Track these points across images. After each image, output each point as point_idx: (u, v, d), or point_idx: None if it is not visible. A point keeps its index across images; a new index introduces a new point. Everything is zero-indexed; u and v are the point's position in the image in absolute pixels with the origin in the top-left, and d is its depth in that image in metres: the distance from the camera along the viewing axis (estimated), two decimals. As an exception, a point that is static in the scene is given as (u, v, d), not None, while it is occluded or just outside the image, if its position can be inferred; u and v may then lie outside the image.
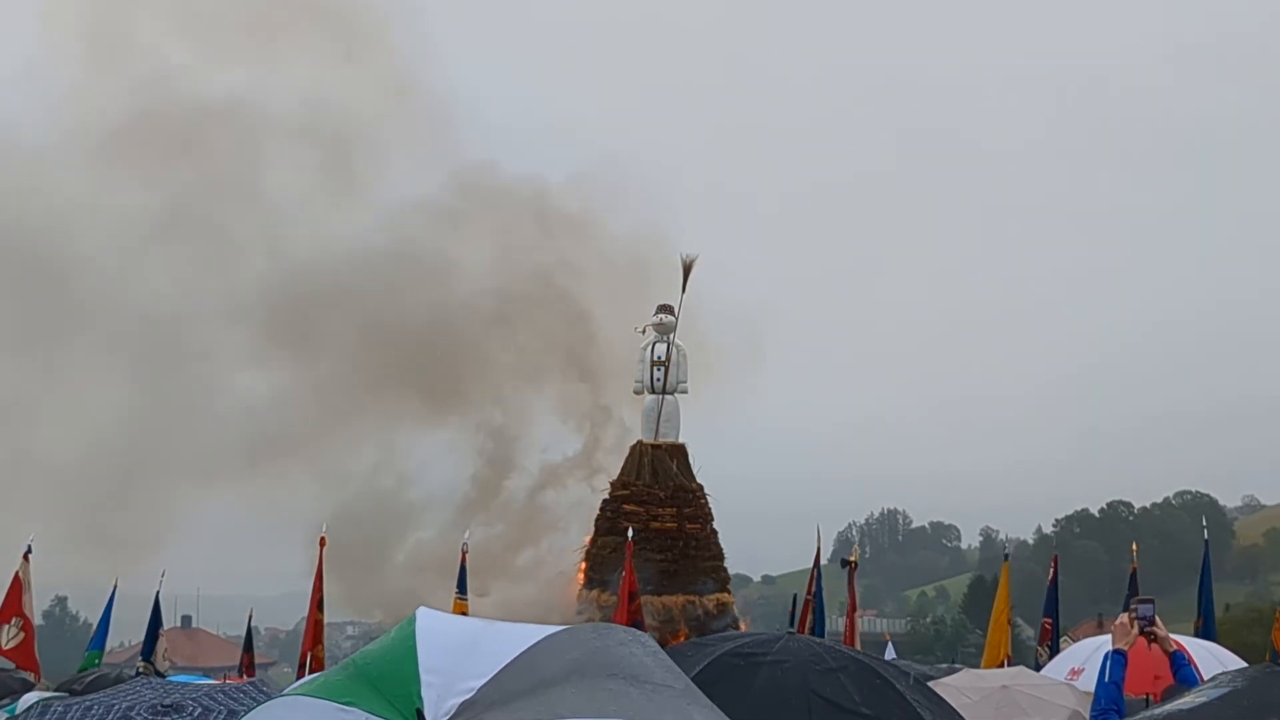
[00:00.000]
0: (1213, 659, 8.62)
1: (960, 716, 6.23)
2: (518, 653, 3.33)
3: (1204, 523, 23.58)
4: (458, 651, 3.35)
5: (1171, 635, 9.18)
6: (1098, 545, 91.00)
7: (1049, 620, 18.63)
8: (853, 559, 19.11)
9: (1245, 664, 7.58)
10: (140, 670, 16.57)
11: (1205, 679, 4.03)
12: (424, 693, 3.22)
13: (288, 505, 30.73)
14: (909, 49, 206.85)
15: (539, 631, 3.44)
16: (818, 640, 6.45)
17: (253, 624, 21.81)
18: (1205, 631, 15.50)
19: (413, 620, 3.47)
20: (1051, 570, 19.49)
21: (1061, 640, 18.68)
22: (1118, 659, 5.83)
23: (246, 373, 32.40)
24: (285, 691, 3.95)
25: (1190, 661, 6.33)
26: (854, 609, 18.46)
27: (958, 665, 17.66)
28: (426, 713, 3.19)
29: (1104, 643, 9.08)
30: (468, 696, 3.22)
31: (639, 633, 3.63)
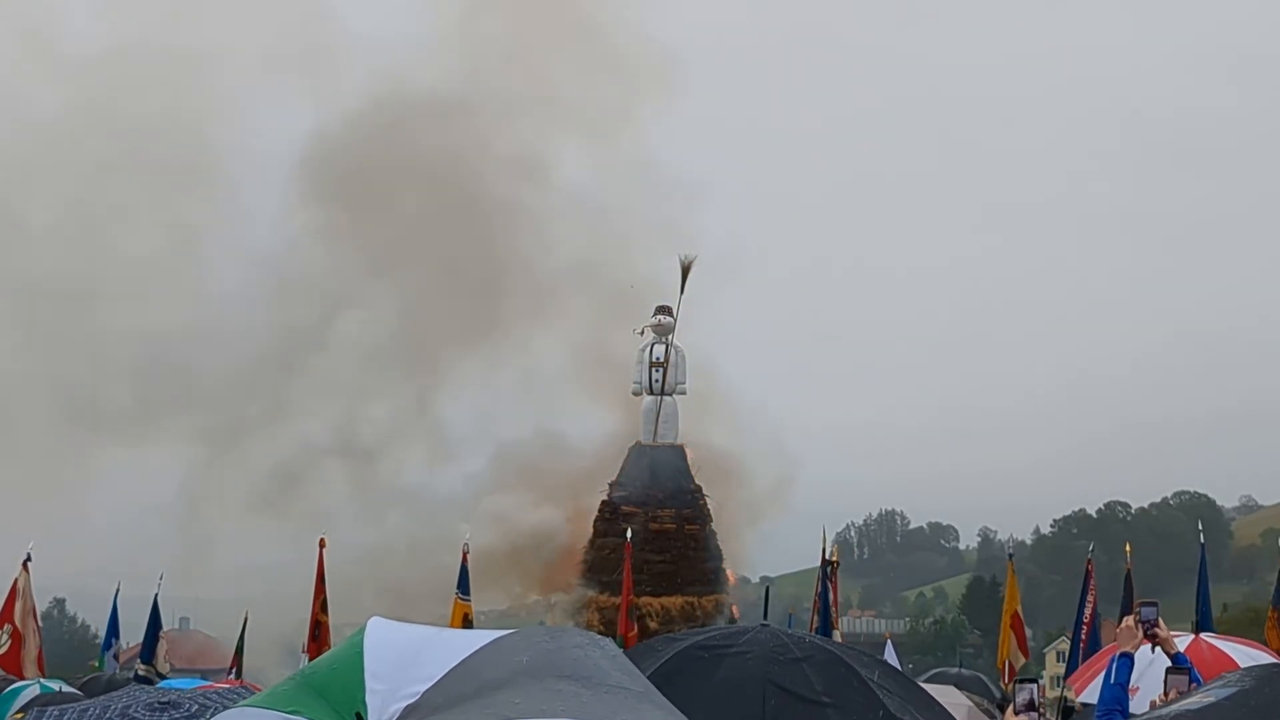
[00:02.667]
0: (1250, 661, 8.49)
1: (931, 700, 6.22)
2: (463, 656, 3.32)
3: (1199, 526, 23.57)
4: (405, 657, 3.34)
5: (1223, 641, 9.10)
6: (1095, 545, 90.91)
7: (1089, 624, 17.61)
8: (834, 559, 19.18)
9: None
10: (140, 673, 16.55)
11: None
12: (368, 699, 3.21)
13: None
14: (914, 48, 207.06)
15: (489, 635, 3.42)
16: (788, 632, 6.42)
17: (249, 626, 21.74)
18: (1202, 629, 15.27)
19: (362, 630, 3.48)
20: (1087, 575, 18.37)
21: (1056, 642, 18.42)
22: (1124, 662, 5.83)
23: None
24: (235, 705, 3.96)
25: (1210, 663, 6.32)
26: (836, 607, 18.66)
27: (963, 671, 17.59)
28: (369, 718, 3.17)
29: (1157, 655, 8.99)
30: (411, 701, 3.20)
31: (597, 636, 3.62)
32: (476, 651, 3.32)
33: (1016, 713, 5.47)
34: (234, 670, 19.58)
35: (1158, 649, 9.02)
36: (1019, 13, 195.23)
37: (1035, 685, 5.52)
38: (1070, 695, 9.81)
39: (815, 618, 18.02)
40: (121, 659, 20.17)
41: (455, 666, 3.27)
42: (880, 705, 5.57)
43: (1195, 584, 17.15)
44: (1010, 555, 24.16)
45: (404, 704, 3.19)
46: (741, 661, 5.79)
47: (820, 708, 5.59)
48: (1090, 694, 9.89)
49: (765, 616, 7.63)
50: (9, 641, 16.14)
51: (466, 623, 16.59)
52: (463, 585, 16.99)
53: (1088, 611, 17.07)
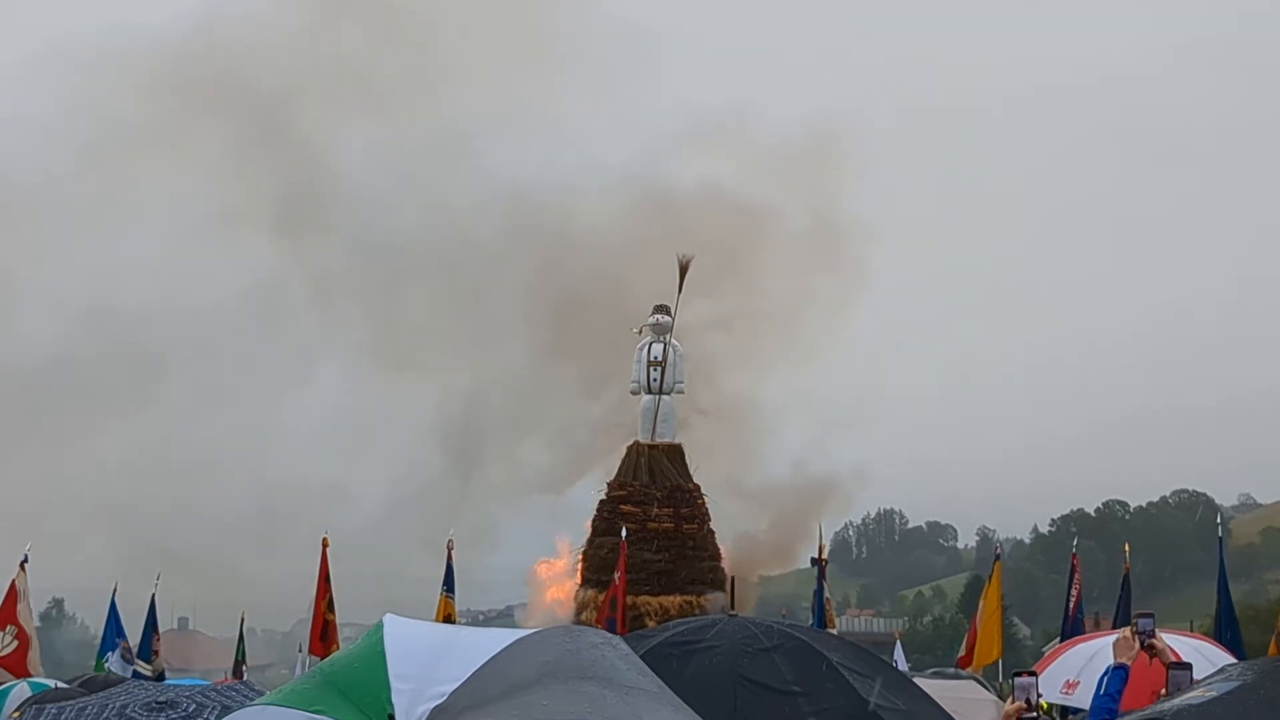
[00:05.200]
0: (1204, 660, 8.44)
1: (901, 676, 6.21)
2: (489, 656, 3.29)
3: (1218, 519, 23.59)
4: (428, 657, 3.32)
5: (1165, 634, 9.07)
6: (1094, 545, 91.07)
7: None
8: (822, 558, 19.33)
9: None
10: (139, 670, 16.58)
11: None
12: (394, 699, 3.19)
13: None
14: (908, 43, 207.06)
15: (510, 635, 3.41)
16: (755, 620, 6.38)
17: (248, 626, 21.85)
18: (1226, 628, 15.07)
19: (380, 627, 3.44)
20: (1072, 570, 18.14)
21: (1048, 645, 18.40)
22: (1118, 673, 5.72)
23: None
24: (255, 701, 3.92)
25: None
26: (830, 605, 18.91)
27: (959, 670, 17.60)
28: (398, 718, 3.16)
29: (1097, 651, 8.90)
30: (439, 701, 3.19)
31: (611, 635, 3.60)
32: (501, 652, 3.31)
33: (1019, 715, 5.34)
34: (235, 671, 19.61)
35: (1099, 642, 8.96)
36: None
37: (1035, 680, 5.40)
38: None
39: (813, 616, 18.26)
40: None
41: (481, 667, 3.25)
42: (849, 688, 5.59)
43: (1196, 582, 17.12)
44: (998, 556, 24.08)
45: (431, 704, 3.18)
46: (710, 657, 5.78)
47: (790, 697, 5.60)
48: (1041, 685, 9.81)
49: (732, 606, 7.64)
50: (14, 643, 16.15)
51: (447, 621, 16.57)
52: (448, 583, 16.90)
53: (1071, 605, 17.13)
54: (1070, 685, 9.18)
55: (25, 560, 16.77)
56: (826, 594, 19.01)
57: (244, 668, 19.63)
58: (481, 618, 61.92)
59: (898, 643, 23.17)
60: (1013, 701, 5.45)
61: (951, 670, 16.63)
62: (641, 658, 5.67)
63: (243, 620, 20.88)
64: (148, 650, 17.81)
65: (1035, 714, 5.37)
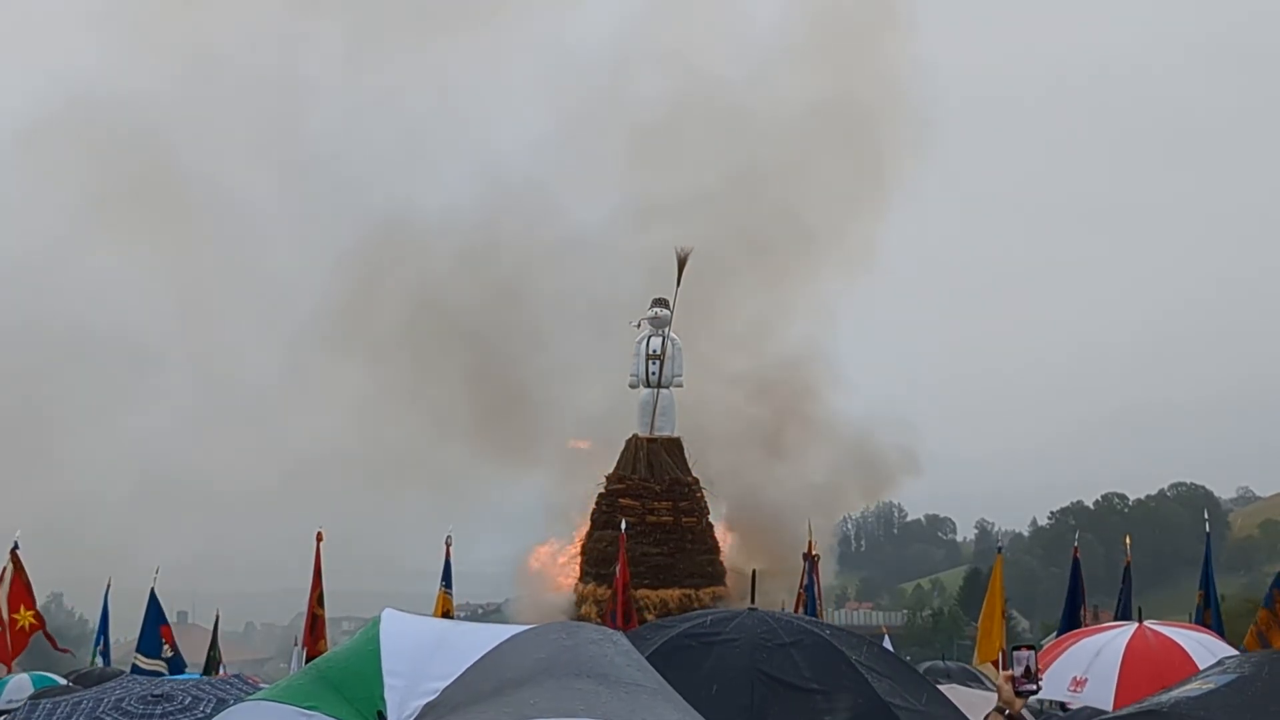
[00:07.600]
0: (1206, 652, 8.38)
1: (920, 679, 6.14)
2: (483, 652, 3.27)
3: (1205, 515, 23.69)
4: (421, 652, 3.29)
5: (1168, 627, 9.00)
6: (1093, 537, 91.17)
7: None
8: (813, 553, 19.36)
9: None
10: (140, 665, 16.53)
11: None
12: (387, 695, 3.17)
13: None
14: (912, 41, 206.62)
15: (506, 631, 3.38)
16: (776, 615, 6.28)
17: (248, 620, 21.73)
18: (1214, 621, 15.13)
19: (377, 622, 3.43)
20: (1075, 563, 18.17)
21: (1047, 638, 18.27)
22: None
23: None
24: (251, 696, 3.91)
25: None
26: (820, 599, 19.00)
27: (950, 665, 17.58)
28: (389, 715, 3.14)
29: (1103, 646, 8.82)
30: (431, 698, 3.16)
31: (611, 631, 3.56)
32: (495, 648, 3.28)
33: (1017, 686, 5.13)
34: (209, 668, 19.43)
35: (1104, 637, 8.80)
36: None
37: (1033, 653, 5.25)
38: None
39: (800, 609, 18.18)
40: (116, 653, 20.09)
41: (474, 663, 3.23)
42: (868, 689, 5.53)
43: (1195, 575, 17.05)
44: (1000, 549, 24.11)
45: (423, 700, 3.16)
46: (729, 650, 5.73)
47: (808, 694, 5.55)
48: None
49: (753, 601, 7.57)
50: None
51: (446, 617, 16.52)
52: (447, 579, 16.87)
53: (1084, 598, 17.10)
54: (1078, 682, 8.97)
55: (16, 547, 16.62)
56: (836, 591, 19.07)
57: (221, 665, 19.32)
58: (480, 611, 61.97)
59: (885, 638, 23.14)
60: (1006, 670, 5.22)
61: (943, 665, 16.59)
62: (660, 648, 5.65)
63: (218, 617, 20.64)
64: (152, 645, 17.62)
65: (1036, 687, 5.21)
